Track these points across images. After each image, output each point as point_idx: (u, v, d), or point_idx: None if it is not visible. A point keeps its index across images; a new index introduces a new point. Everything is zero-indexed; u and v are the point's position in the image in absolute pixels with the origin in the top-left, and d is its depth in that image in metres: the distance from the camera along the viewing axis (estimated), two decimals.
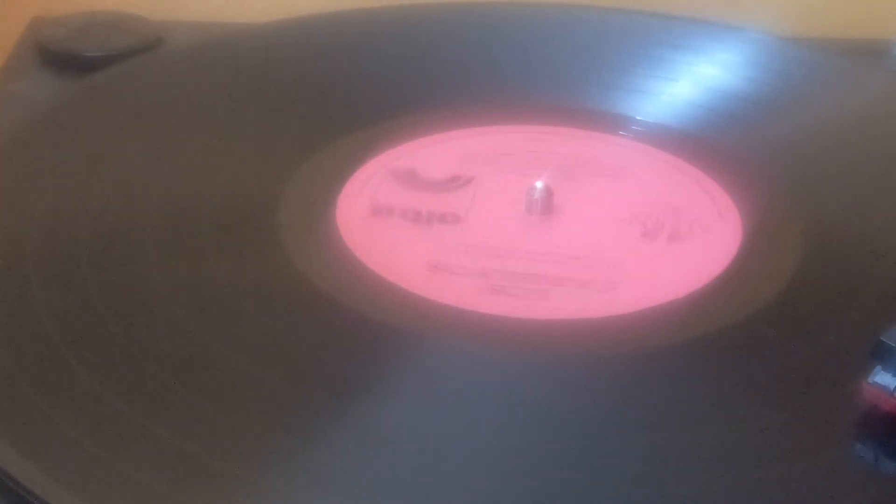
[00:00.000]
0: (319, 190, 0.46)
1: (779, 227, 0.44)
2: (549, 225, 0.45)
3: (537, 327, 0.39)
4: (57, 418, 0.34)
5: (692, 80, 0.54)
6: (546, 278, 0.42)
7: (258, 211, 0.44)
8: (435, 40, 0.57)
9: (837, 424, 0.34)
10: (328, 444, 0.33)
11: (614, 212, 0.46)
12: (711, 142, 0.50)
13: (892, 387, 0.34)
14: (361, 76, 0.54)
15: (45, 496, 0.31)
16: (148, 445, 0.33)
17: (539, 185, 0.45)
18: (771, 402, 0.36)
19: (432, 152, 0.49)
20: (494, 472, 0.33)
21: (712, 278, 0.42)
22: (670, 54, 0.55)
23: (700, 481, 0.33)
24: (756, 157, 0.49)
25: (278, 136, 0.50)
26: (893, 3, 0.64)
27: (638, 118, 0.52)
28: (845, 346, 0.38)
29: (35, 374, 0.35)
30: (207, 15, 0.62)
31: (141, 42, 0.56)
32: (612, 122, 0.52)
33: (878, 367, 0.34)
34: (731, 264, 0.42)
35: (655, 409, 0.35)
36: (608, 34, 0.57)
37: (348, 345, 0.38)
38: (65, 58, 0.55)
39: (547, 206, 0.45)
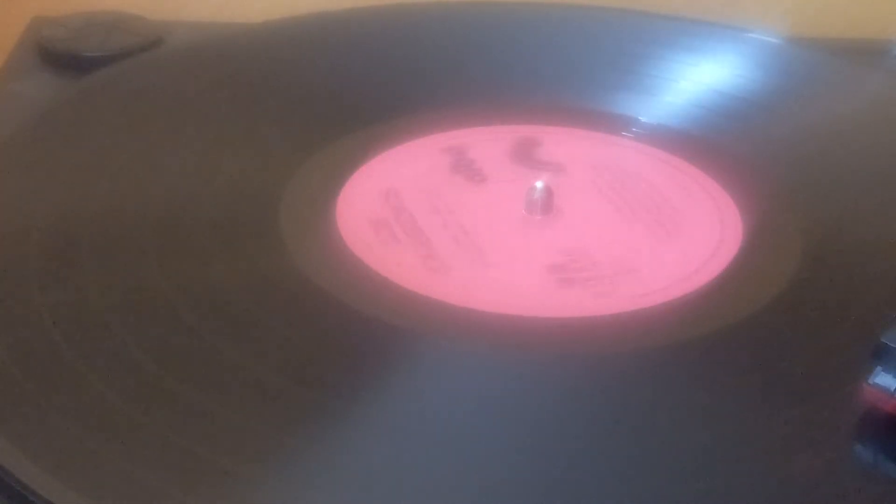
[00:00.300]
0: (320, 189, 0.46)
1: (779, 227, 0.44)
2: (549, 225, 0.45)
3: (537, 326, 0.39)
4: (57, 417, 0.34)
5: (692, 80, 0.54)
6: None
7: (258, 211, 0.44)
8: (435, 40, 0.57)
9: (837, 425, 0.34)
10: (328, 443, 0.33)
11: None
12: (711, 142, 0.50)
13: (892, 388, 0.33)
14: (362, 76, 0.54)
15: (46, 494, 0.31)
16: (148, 444, 0.33)
17: (539, 185, 0.45)
18: (771, 402, 0.36)
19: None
20: (494, 472, 0.33)
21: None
22: (670, 54, 0.55)
23: (700, 482, 0.33)
24: (756, 158, 0.49)
25: (278, 136, 0.49)
26: (893, 3, 0.64)
27: (638, 118, 0.52)
28: (845, 347, 0.38)
29: (35, 373, 0.35)
30: (207, 15, 0.62)
31: (141, 42, 0.56)
32: (612, 123, 0.52)
33: (879, 368, 0.34)
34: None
35: (654, 409, 0.35)
36: (608, 34, 0.57)
37: (349, 344, 0.38)
38: (65, 58, 0.55)
39: (547, 205, 0.45)
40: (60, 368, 0.36)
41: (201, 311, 0.39)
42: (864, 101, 0.52)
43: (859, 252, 0.43)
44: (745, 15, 0.60)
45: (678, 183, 0.48)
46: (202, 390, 0.35)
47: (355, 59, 0.55)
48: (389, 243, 0.43)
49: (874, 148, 0.50)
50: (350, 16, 0.59)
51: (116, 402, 0.34)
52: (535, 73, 0.55)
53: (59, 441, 0.33)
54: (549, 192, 0.45)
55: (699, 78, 0.54)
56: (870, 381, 0.34)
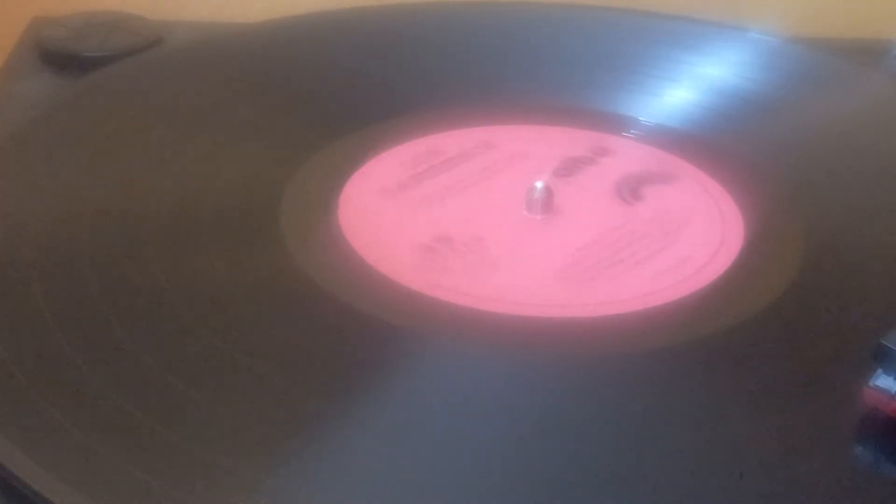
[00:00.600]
0: (320, 189, 0.46)
1: (780, 228, 0.44)
2: (549, 224, 0.45)
3: (538, 326, 0.39)
4: (58, 416, 0.34)
5: (692, 80, 0.54)
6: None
7: (259, 210, 0.44)
8: (436, 39, 0.57)
9: (838, 427, 0.34)
10: (329, 443, 0.33)
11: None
12: (712, 142, 0.50)
13: (892, 390, 0.33)
14: (362, 76, 0.54)
15: (47, 494, 0.31)
16: (148, 444, 0.33)
17: (539, 184, 0.45)
18: (771, 404, 0.36)
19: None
20: (494, 473, 0.33)
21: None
22: (670, 54, 0.55)
23: (700, 483, 0.33)
24: (757, 158, 0.49)
25: (279, 136, 0.49)
26: (893, 3, 0.64)
27: (639, 118, 0.52)
28: (846, 349, 0.38)
29: (36, 372, 0.35)
30: (207, 15, 0.62)
31: (141, 42, 0.56)
32: (613, 123, 0.52)
33: (879, 371, 0.34)
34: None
35: (654, 410, 0.35)
36: (608, 34, 0.57)
37: (350, 343, 0.38)
38: (65, 58, 0.55)
39: (547, 205, 0.45)
40: (60, 368, 0.36)
41: (201, 310, 0.39)
42: (864, 101, 0.52)
43: (860, 253, 0.43)
44: (745, 15, 0.60)
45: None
46: (202, 390, 0.35)
47: (355, 59, 0.55)
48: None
49: (874, 148, 0.50)
50: (350, 16, 0.59)
51: (116, 401, 0.34)
52: (535, 73, 0.55)
53: (59, 440, 0.33)
54: (549, 191, 0.45)
55: (699, 78, 0.54)
56: (870, 384, 0.34)
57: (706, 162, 0.49)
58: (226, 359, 0.37)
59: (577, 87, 0.54)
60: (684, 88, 0.53)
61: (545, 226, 0.45)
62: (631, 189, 0.47)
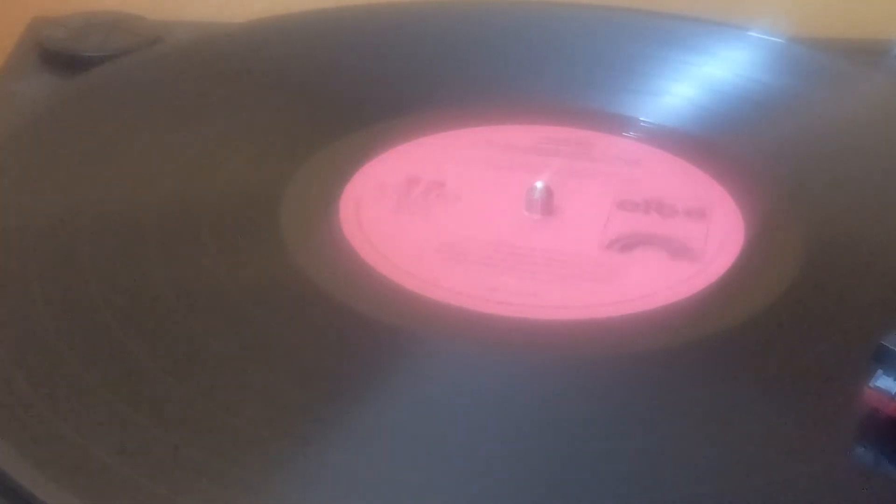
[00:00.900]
0: (320, 189, 0.46)
1: (781, 228, 0.44)
2: (549, 225, 0.45)
3: (538, 327, 0.39)
4: (57, 418, 0.34)
5: (692, 80, 0.54)
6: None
7: (259, 210, 0.44)
8: (436, 39, 0.57)
9: (838, 428, 0.34)
10: (328, 444, 0.33)
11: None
12: (712, 142, 0.50)
13: (893, 391, 0.33)
14: (363, 75, 0.54)
15: (45, 497, 0.31)
16: (147, 444, 0.33)
17: (539, 184, 0.45)
18: (771, 404, 0.36)
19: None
20: (495, 473, 0.33)
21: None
22: (670, 54, 0.55)
23: (700, 484, 0.33)
24: (757, 157, 0.49)
25: (279, 136, 0.49)
26: (893, 3, 0.64)
27: (639, 118, 0.52)
28: (846, 350, 0.38)
29: (35, 373, 0.35)
30: (207, 15, 0.62)
31: (141, 42, 0.56)
32: (613, 123, 0.52)
33: (880, 371, 0.34)
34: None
35: (655, 411, 0.35)
36: (608, 34, 0.57)
37: (350, 344, 0.38)
38: (65, 58, 0.55)
39: (547, 205, 0.45)
40: (60, 369, 0.36)
41: (201, 310, 0.39)
42: (864, 101, 0.52)
43: (860, 253, 0.43)
44: (746, 15, 0.60)
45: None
46: (202, 390, 0.35)
47: (356, 58, 0.55)
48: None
49: (874, 148, 0.50)
50: (350, 15, 0.59)
51: (115, 402, 0.34)
52: (536, 73, 0.55)
53: (58, 443, 0.33)
54: (549, 192, 0.45)
55: (699, 78, 0.54)
56: (871, 384, 0.34)
57: (705, 162, 0.49)
58: (225, 359, 0.37)
59: (576, 87, 0.54)
60: (684, 88, 0.53)
61: (545, 226, 0.45)
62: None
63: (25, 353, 0.36)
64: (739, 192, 0.47)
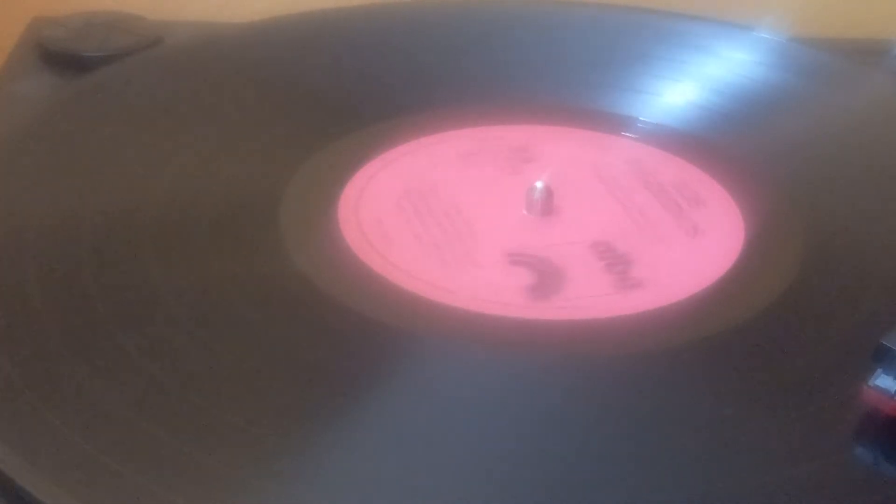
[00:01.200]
0: (320, 189, 0.46)
1: (781, 228, 0.44)
2: (549, 225, 0.45)
3: (539, 328, 0.39)
4: (56, 419, 0.34)
5: (692, 80, 0.54)
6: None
7: (259, 211, 0.44)
8: (436, 39, 0.57)
9: (838, 427, 0.34)
10: (329, 445, 0.33)
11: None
12: (712, 142, 0.50)
13: (892, 390, 0.33)
14: (362, 75, 0.54)
15: (44, 498, 0.31)
16: (147, 445, 0.33)
17: (539, 185, 0.45)
18: (771, 404, 0.36)
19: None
20: (495, 473, 0.33)
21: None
22: (671, 54, 0.55)
23: (700, 484, 0.33)
24: (757, 157, 0.49)
25: (279, 136, 0.49)
26: (893, 3, 0.64)
27: (639, 118, 0.52)
28: (846, 349, 0.38)
29: (34, 374, 0.35)
30: (207, 15, 0.62)
31: (141, 42, 0.56)
32: (613, 123, 0.52)
33: (879, 370, 0.34)
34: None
35: (655, 411, 0.35)
36: (609, 34, 0.57)
37: (349, 345, 0.38)
38: (65, 58, 0.55)
39: (547, 206, 0.45)
40: (58, 370, 0.36)
41: (201, 311, 0.39)
42: (864, 101, 0.52)
43: (860, 253, 0.43)
44: (746, 14, 0.60)
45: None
46: (201, 391, 0.35)
47: (356, 58, 0.55)
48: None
49: (875, 148, 0.49)
50: (350, 15, 0.59)
51: (115, 402, 0.34)
52: (535, 73, 0.55)
53: (58, 444, 0.33)
54: (549, 192, 0.45)
55: (699, 78, 0.54)
56: (870, 383, 0.34)
57: (705, 162, 0.49)
58: (225, 359, 0.37)
59: (576, 87, 0.54)
60: (684, 88, 0.53)
61: (545, 226, 0.45)
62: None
63: (25, 353, 0.36)
64: (739, 191, 0.47)
